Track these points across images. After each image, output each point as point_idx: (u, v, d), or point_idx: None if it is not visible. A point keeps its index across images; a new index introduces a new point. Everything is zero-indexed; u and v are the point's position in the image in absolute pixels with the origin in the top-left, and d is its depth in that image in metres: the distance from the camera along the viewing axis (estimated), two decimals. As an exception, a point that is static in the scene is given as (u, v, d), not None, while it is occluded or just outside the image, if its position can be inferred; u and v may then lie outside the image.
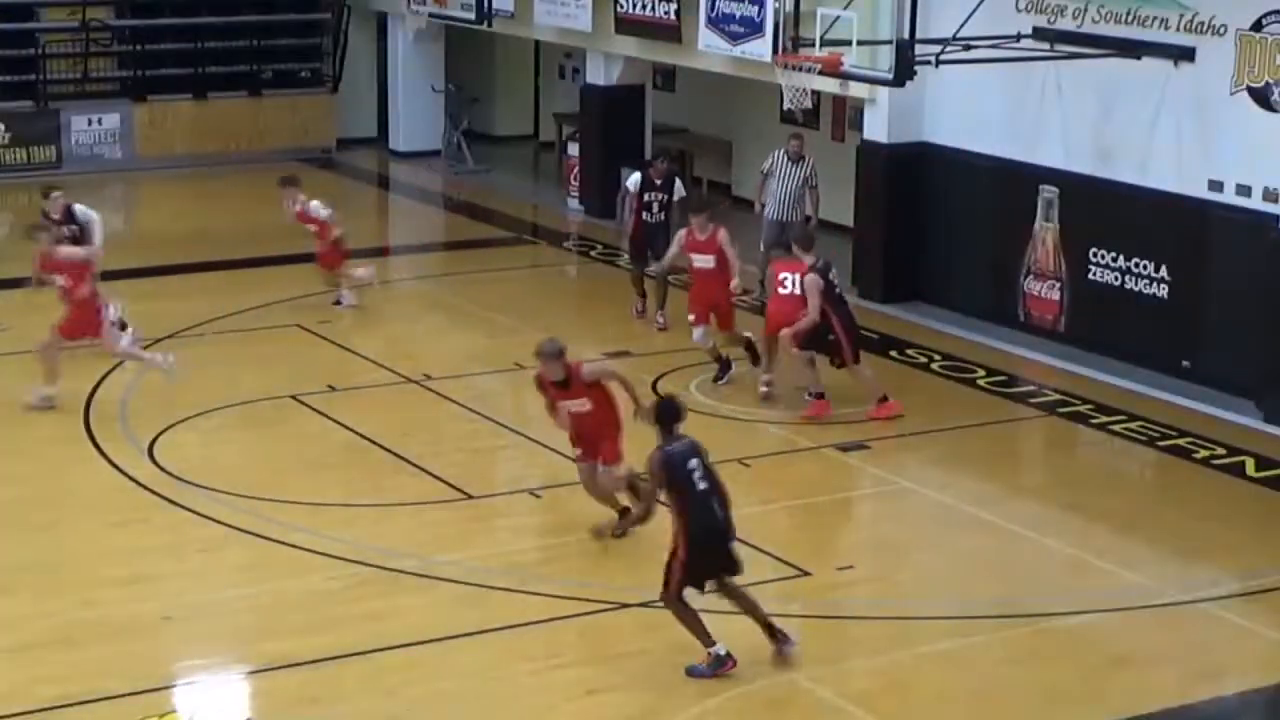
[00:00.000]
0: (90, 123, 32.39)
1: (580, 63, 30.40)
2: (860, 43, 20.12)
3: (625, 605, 14.02)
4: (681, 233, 20.42)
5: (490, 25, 29.66)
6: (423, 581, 14.54)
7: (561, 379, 15.17)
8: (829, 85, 22.48)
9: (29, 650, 13.30)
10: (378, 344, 21.27)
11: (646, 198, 22.56)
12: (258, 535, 15.52)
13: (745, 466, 17.42)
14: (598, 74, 28.82)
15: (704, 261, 20.03)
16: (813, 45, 20.40)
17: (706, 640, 13.02)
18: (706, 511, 12.99)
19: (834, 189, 25.93)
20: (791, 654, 13.16)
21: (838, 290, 19.00)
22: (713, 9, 24.45)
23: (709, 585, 13.07)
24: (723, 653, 13.00)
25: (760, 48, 23.38)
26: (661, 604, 13.13)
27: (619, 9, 26.93)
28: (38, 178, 31.09)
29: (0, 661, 13.11)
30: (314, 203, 22.79)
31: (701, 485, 12.99)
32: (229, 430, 18.41)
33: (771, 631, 13.20)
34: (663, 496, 13.32)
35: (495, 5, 29.21)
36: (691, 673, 13.01)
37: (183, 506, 16.16)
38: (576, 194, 29.42)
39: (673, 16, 25.85)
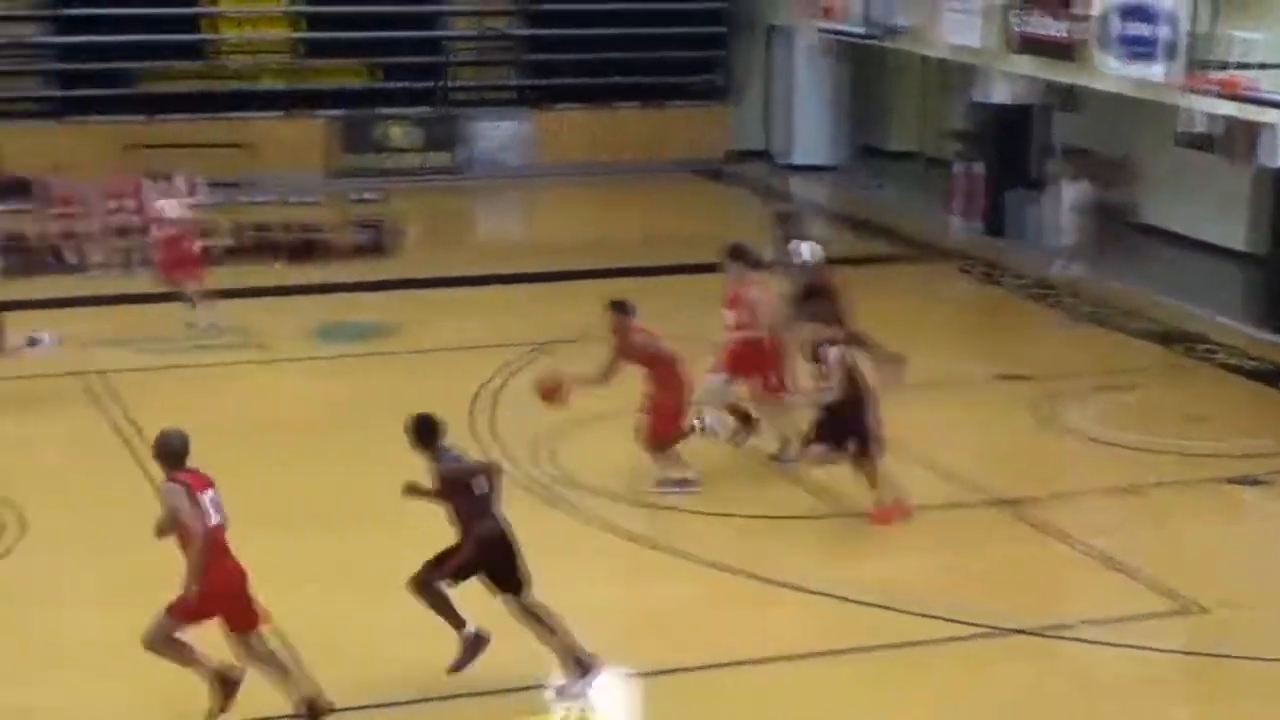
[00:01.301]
0: (492, 130, 33.28)
1: (974, 80, 30.18)
2: (1264, 66, 19.64)
3: (997, 629, 13.87)
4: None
5: (884, 41, 29.65)
6: (795, 595, 14.55)
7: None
8: (1232, 108, 21.93)
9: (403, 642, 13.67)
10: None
11: None
12: (639, 539, 15.74)
13: (1137, 496, 17.10)
14: (991, 92, 28.58)
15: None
16: (1218, 67, 19.94)
17: None
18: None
19: (1227, 212, 25.35)
20: None
21: None
22: (1113, 29, 24.07)
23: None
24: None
25: (1161, 68, 22.93)
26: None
27: (1015, 27, 26.67)
28: (438, 182, 32.20)
29: (395, 648, 13.50)
30: None
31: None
32: (622, 434, 18.48)
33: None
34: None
35: (890, 22, 29.20)
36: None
37: (568, 506, 16.53)
38: (970, 212, 29.25)
39: (1070, 35, 25.49)
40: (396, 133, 33.11)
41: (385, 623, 13.53)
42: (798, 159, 34.23)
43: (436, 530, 16.00)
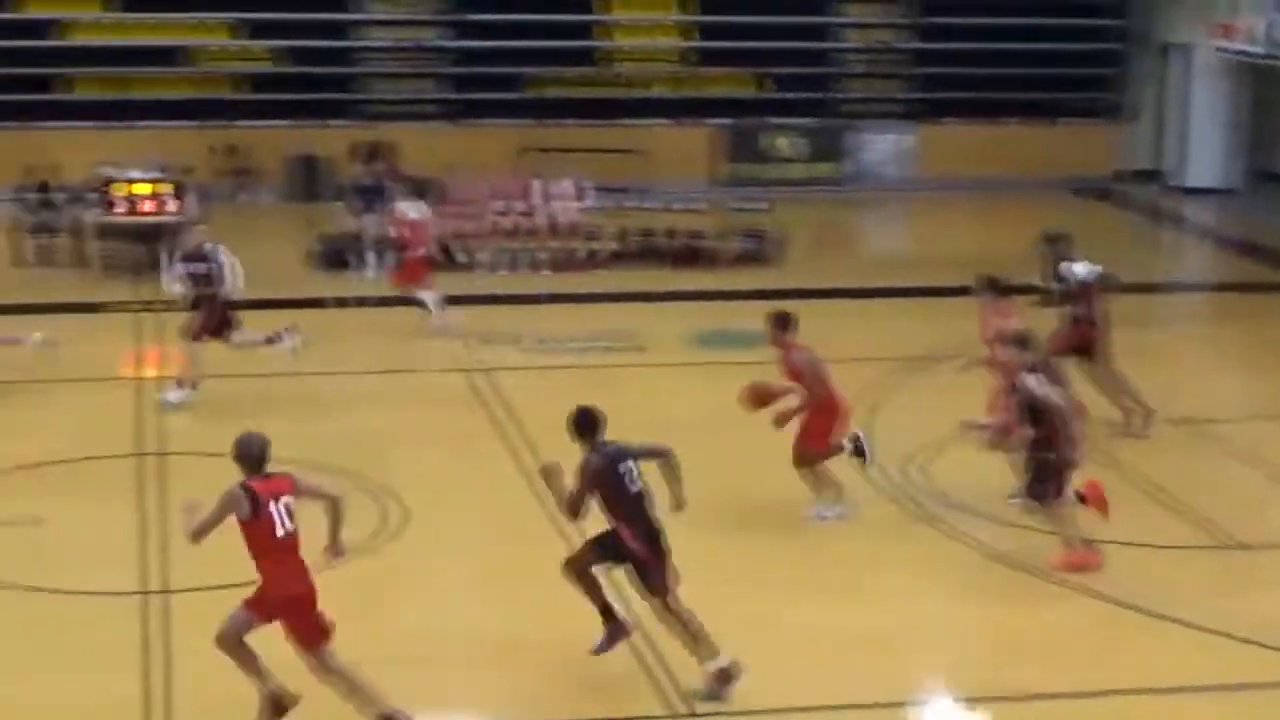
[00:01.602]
0: (878, 142, 33.31)
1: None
2: None
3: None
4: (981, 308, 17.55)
5: (1286, 61, 28.89)
6: (1164, 624, 14.16)
7: None
8: None
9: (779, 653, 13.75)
10: (1141, 384, 20.76)
11: None
12: (1006, 560, 15.53)
13: None
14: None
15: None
16: None
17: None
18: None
19: None
20: None
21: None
22: None
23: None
24: None
25: None
26: None
27: None
28: (822, 193, 32.32)
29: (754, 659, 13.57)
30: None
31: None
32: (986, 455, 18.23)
33: None
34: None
35: (1293, 41, 28.47)
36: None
37: (937, 522, 16.41)
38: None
39: None
40: (783, 143, 33.33)
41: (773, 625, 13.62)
42: (1191, 181, 33.51)
43: (816, 534, 16.07)
